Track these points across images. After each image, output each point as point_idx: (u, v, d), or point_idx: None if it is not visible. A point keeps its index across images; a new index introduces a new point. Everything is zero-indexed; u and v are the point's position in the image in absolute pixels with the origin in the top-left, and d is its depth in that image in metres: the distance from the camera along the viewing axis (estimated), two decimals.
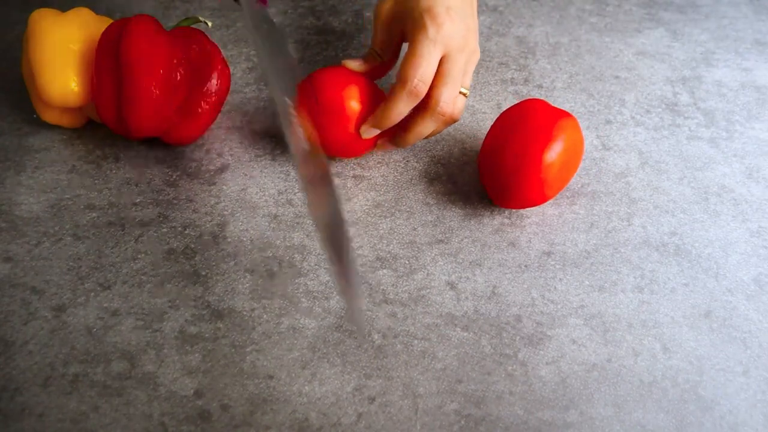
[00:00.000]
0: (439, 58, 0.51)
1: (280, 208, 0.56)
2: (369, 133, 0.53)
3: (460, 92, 0.53)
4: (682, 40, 0.69)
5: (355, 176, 0.58)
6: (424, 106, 0.52)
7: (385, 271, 0.53)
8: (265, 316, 0.50)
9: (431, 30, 0.50)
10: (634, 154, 0.60)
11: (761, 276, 0.53)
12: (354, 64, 0.55)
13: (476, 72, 0.65)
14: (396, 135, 0.55)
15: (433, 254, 0.54)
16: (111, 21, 0.57)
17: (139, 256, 0.53)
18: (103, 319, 0.50)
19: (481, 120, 0.62)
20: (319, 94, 0.53)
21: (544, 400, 0.47)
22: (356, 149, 0.56)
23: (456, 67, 0.51)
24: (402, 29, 0.54)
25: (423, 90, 0.50)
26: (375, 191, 0.57)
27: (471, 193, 0.57)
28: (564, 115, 0.52)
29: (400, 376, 0.48)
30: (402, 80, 0.50)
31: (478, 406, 0.47)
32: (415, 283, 0.52)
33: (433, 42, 0.50)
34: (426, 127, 0.53)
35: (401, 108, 0.51)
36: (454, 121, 0.54)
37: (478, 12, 0.70)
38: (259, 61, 0.49)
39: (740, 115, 0.64)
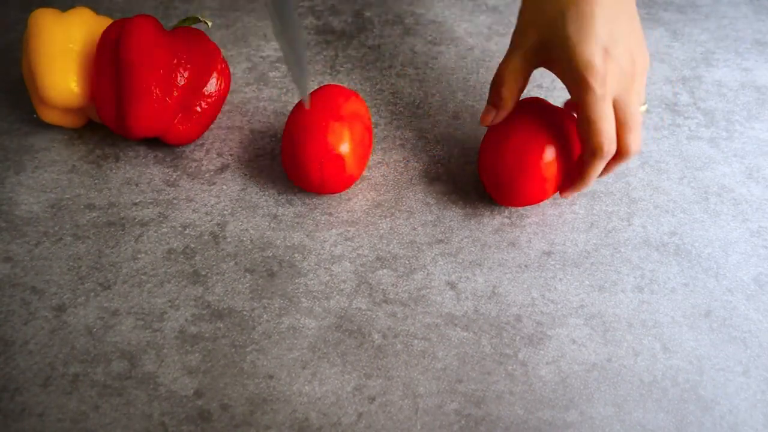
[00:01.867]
0: (612, 107, 0.48)
1: (280, 208, 0.56)
2: (570, 196, 0.54)
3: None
4: (682, 40, 0.69)
5: None
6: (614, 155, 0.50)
7: (385, 271, 0.53)
8: (265, 316, 0.50)
9: (597, 89, 0.47)
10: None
11: (761, 276, 0.53)
12: (491, 120, 0.53)
13: (476, 72, 0.65)
14: (575, 180, 0.53)
15: (433, 254, 0.54)
16: (111, 21, 0.57)
17: (139, 256, 0.53)
18: (103, 319, 0.50)
19: None
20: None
21: (544, 400, 0.47)
22: (335, 188, 0.54)
23: (631, 107, 0.48)
24: (539, 63, 0.51)
25: (614, 148, 0.48)
26: (375, 191, 0.57)
27: (471, 193, 0.57)
28: (564, 113, 0.52)
29: (400, 375, 0.48)
30: (595, 149, 0.48)
31: (478, 406, 0.47)
32: (415, 282, 0.52)
33: (602, 99, 0.47)
34: (616, 168, 0.51)
35: (599, 170, 0.50)
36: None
37: (478, 12, 0.70)
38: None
39: (740, 115, 0.64)
